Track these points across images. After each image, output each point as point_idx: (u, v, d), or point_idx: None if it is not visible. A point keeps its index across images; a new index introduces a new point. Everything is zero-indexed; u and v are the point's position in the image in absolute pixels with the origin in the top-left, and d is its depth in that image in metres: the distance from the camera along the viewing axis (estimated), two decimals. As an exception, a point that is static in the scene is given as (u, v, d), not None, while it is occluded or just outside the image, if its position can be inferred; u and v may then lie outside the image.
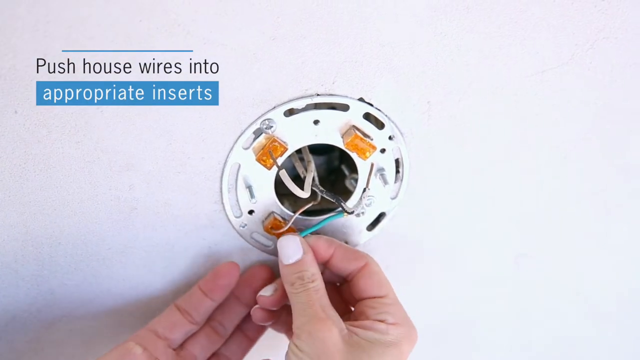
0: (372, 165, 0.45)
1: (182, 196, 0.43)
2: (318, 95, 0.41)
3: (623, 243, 0.57)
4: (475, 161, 0.47)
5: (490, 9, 0.39)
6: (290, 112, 0.41)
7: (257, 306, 0.43)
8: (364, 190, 0.45)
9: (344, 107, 0.42)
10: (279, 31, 0.37)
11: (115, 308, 0.48)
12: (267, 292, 0.43)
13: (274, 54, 0.38)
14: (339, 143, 0.43)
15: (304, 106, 0.41)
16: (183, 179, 0.43)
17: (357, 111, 0.42)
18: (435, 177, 0.47)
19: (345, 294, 0.45)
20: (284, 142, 0.42)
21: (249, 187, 0.44)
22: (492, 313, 0.60)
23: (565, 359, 0.68)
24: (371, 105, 0.42)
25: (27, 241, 0.42)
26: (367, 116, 0.43)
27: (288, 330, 0.46)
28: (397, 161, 0.46)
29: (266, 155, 0.42)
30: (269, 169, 0.43)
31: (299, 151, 0.46)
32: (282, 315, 0.45)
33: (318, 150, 0.50)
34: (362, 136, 0.43)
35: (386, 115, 0.43)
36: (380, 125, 0.43)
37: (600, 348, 0.67)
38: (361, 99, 0.42)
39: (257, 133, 0.42)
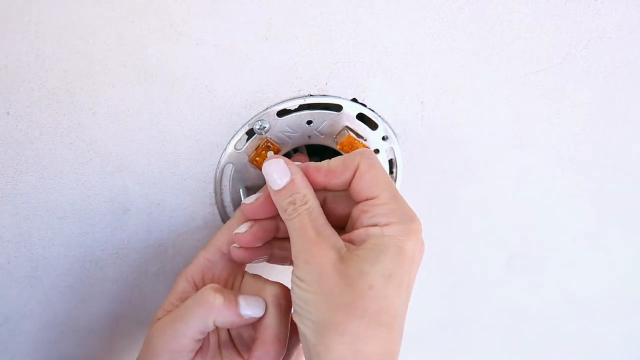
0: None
1: (176, 197, 0.43)
2: (311, 95, 0.41)
3: (616, 243, 0.56)
4: (469, 161, 0.47)
5: (483, 9, 0.39)
6: (283, 113, 0.41)
7: (235, 245, 0.40)
8: None
9: (337, 108, 0.42)
10: (272, 32, 0.37)
11: (109, 310, 0.48)
12: (242, 229, 0.39)
13: (266, 55, 0.38)
14: (333, 144, 0.43)
15: (297, 107, 0.41)
16: (176, 180, 0.43)
17: (350, 112, 0.42)
18: (428, 178, 0.47)
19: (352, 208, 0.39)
20: (277, 143, 0.42)
21: (243, 188, 0.44)
22: (486, 313, 0.60)
23: (559, 357, 0.68)
24: (364, 105, 0.42)
25: (20, 242, 0.42)
26: (361, 117, 0.43)
27: (286, 261, 0.42)
28: (390, 162, 0.46)
29: (259, 156, 0.42)
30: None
31: (295, 151, 0.46)
32: (274, 249, 0.41)
33: (311, 150, 0.50)
34: (355, 137, 0.43)
35: (379, 116, 0.43)
36: (373, 125, 0.43)
37: (593, 347, 0.67)
38: (354, 100, 0.42)
39: (250, 134, 0.42)
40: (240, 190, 0.44)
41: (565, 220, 0.53)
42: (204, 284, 0.39)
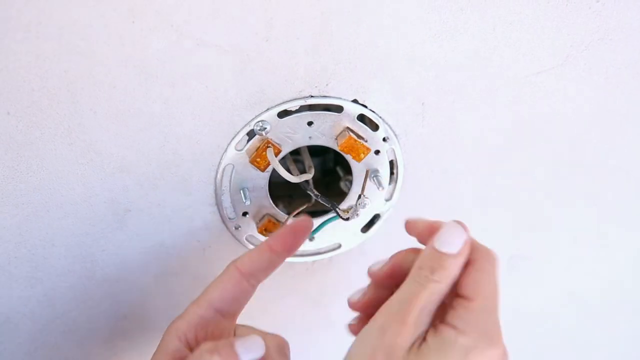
0: (367, 171, 0.45)
1: (176, 198, 0.43)
2: (312, 96, 0.41)
3: (617, 243, 0.56)
4: (470, 162, 0.47)
5: (484, 10, 0.39)
6: (284, 114, 0.41)
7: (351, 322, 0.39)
8: (359, 197, 0.45)
9: (338, 109, 0.42)
10: (273, 32, 0.37)
11: (109, 310, 0.48)
12: (355, 296, 0.39)
13: (267, 56, 0.38)
14: (333, 145, 0.43)
15: (297, 108, 0.41)
16: (177, 181, 0.42)
17: (351, 113, 0.42)
18: (429, 179, 0.47)
19: None
20: (278, 144, 0.42)
21: (243, 189, 0.44)
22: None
23: (558, 357, 0.68)
24: (365, 106, 0.42)
25: (20, 243, 0.42)
26: (362, 118, 0.43)
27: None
28: (391, 163, 0.45)
29: (260, 157, 0.42)
30: (263, 170, 0.43)
31: (294, 153, 0.45)
32: None
33: (313, 151, 0.50)
34: (356, 138, 0.42)
35: (380, 117, 0.43)
36: (374, 126, 0.43)
37: (593, 347, 0.67)
38: (355, 101, 0.42)
39: (251, 135, 0.42)
40: (241, 191, 0.44)
41: (566, 220, 0.53)
42: (197, 343, 0.38)
